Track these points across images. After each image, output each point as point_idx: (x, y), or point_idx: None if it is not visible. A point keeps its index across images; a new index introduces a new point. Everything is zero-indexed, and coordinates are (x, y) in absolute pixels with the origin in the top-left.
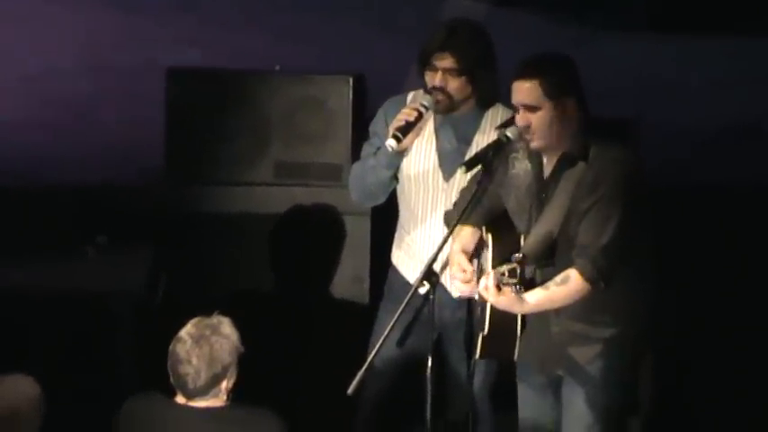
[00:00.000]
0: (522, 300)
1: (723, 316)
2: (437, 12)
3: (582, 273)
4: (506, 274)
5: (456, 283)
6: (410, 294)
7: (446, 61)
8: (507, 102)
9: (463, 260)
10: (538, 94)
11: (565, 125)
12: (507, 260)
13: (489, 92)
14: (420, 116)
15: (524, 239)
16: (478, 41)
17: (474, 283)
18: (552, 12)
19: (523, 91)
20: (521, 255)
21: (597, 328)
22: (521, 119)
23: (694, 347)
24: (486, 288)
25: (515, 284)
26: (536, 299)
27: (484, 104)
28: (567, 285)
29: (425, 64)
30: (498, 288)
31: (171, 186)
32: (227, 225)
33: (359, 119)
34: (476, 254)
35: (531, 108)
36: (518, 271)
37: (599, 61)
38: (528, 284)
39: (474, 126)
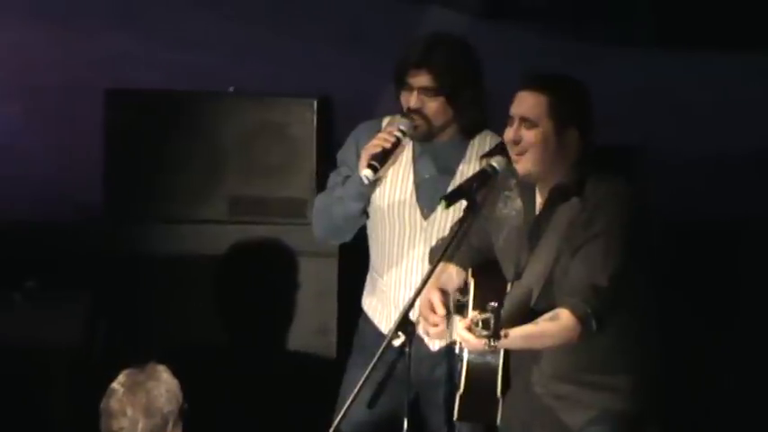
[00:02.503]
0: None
1: (742, 369)
2: (414, 25)
3: (572, 310)
4: (479, 324)
5: (424, 327)
6: (383, 347)
7: (422, 79)
8: (498, 128)
9: (436, 299)
10: (541, 110)
11: (560, 153)
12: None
13: (474, 116)
14: (398, 142)
15: (510, 287)
16: (460, 57)
17: (443, 329)
18: (547, 24)
19: (526, 103)
20: (495, 304)
21: (588, 390)
22: (512, 132)
23: (707, 407)
24: (467, 339)
25: (488, 337)
26: (521, 332)
27: (469, 131)
28: (555, 323)
29: (400, 83)
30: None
31: (110, 224)
32: (173, 268)
33: (324, 147)
34: (457, 296)
35: (529, 123)
36: (491, 322)
37: (600, 80)
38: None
39: (458, 155)
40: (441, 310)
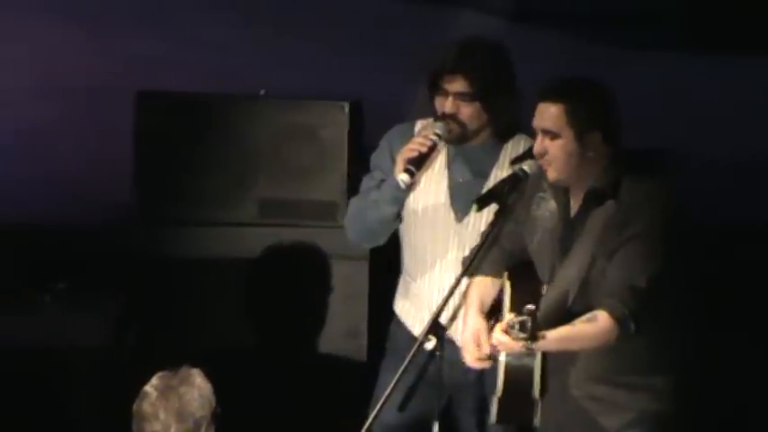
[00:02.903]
0: (541, 339)
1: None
2: (445, 28)
3: (610, 312)
4: (516, 327)
5: (467, 356)
6: (413, 350)
7: (457, 84)
8: (530, 131)
9: (483, 337)
10: (560, 122)
11: (586, 160)
12: (521, 312)
13: (508, 120)
14: (433, 146)
15: (546, 290)
16: (495, 62)
17: (487, 362)
18: (578, 28)
19: (545, 115)
20: (532, 306)
21: (624, 392)
22: (537, 145)
23: (749, 416)
24: (503, 343)
25: (525, 339)
26: (558, 334)
27: (502, 134)
28: (592, 324)
29: (435, 88)
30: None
31: (140, 227)
32: (204, 271)
33: (355, 150)
34: (496, 310)
35: (551, 135)
36: (528, 325)
37: (630, 84)
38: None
39: (491, 159)
40: (486, 349)
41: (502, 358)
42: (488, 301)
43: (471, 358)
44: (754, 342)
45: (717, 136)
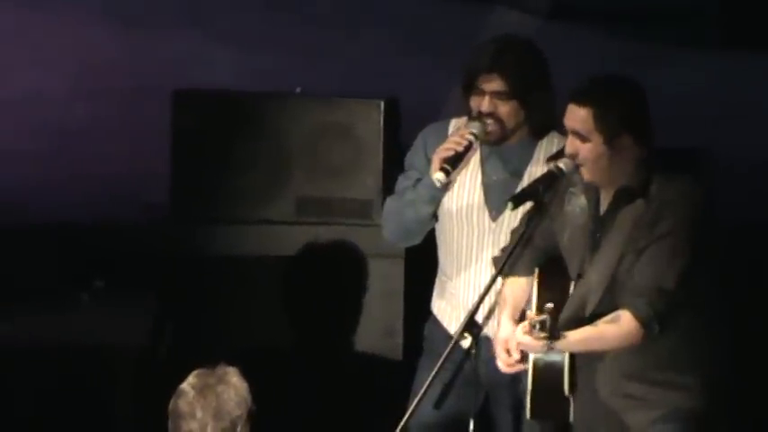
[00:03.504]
0: (562, 338)
1: None
2: (479, 26)
3: (634, 313)
4: (537, 326)
5: (499, 363)
6: (449, 348)
7: (494, 84)
8: (563, 129)
9: (512, 341)
10: (589, 125)
11: (616, 162)
12: (541, 310)
13: (544, 118)
14: (469, 146)
15: (574, 287)
16: (530, 60)
17: (519, 366)
18: (613, 26)
19: (575, 117)
20: (551, 305)
21: (657, 389)
22: (569, 145)
23: None
24: (527, 344)
25: (545, 338)
26: (579, 335)
27: (537, 132)
28: (617, 325)
29: (470, 87)
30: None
31: (177, 225)
32: (240, 269)
33: (391, 148)
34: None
35: (581, 137)
36: (548, 324)
37: (666, 82)
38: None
39: (526, 156)
40: (516, 356)
41: (530, 356)
42: (521, 303)
43: (503, 365)
44: None
45: (752, 135)
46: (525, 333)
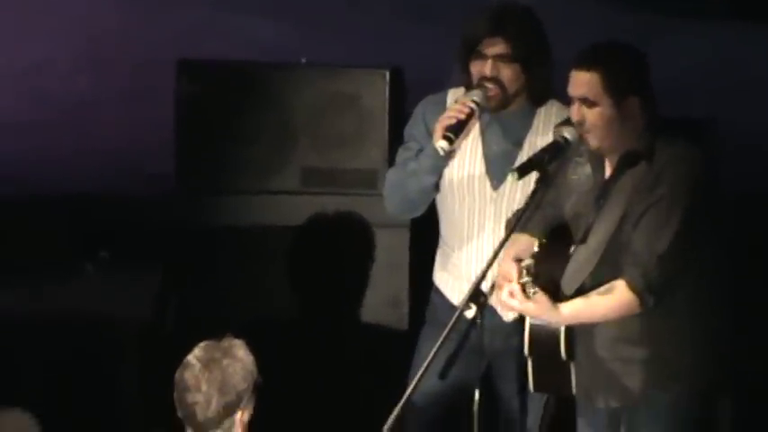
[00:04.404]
0: (554, 306)
1: None
2: None
3: (629, 283)
4: (523, 272)
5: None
6: (454, 318)
7: (498, 47)
8: (561, 97)
9: (513, 270)
10: (597, 89)
11: (624, 126)
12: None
13: (543, 85)
14: (471, 113)
15: (574, 250)
16: (530, 25)
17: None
18: None
19: (581, 83)
20: (536, 249)
21: (656, 353)
22: (575, 113)
23: None
24: (512, 293)
25: (530, 283)
26: (573, 308)
27: (537, 100)
28: (610, 296)
29: (472, 53)
30: (526, 295)
31: (182, 196)
32: (245, 239)
33: (397, 118)
34: (530, 263)
35: (588, 103)
36: (533, 269)
37: (672, 54)
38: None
39: (526, 125)
40: (515, 278)
41: (527, 321)
42: (524, 256)
43: (501, 300)
44: None
45: (757, 105)
46: (517, 284)
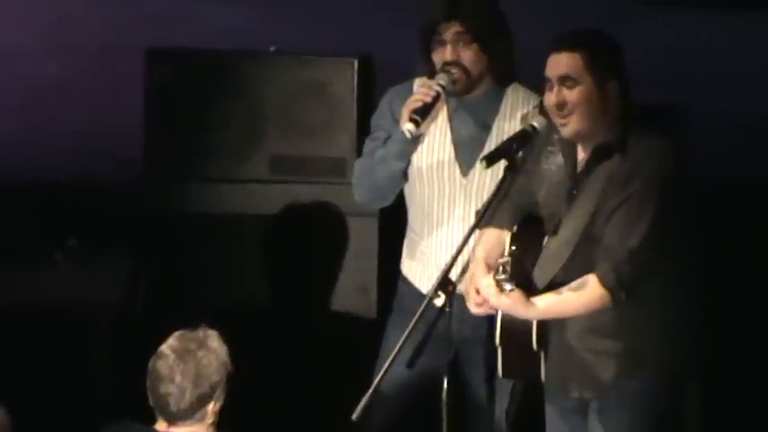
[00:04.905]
0: (528, 303)
1: None
2: None
3: (601, 279)
4: (500, 269)
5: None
6: (423, 306)
7: (455, 30)
8: (527, 80)
9: (480, 278)
10: (579, 67)
11: (604, 109)
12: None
13: (506, 65)
14: (438, 96)
15: (547, 242)
16: (487, 5)
17: (488, 307)
18: None
19: (562, 63)
20: (514, 248)
21: (628, 344)
22: (555, 96)
23: (751, 376)
24: (488, 286)
25: (506, 281)
26: (545, 304)
27: (501, 81)
28: (582, 292)
29: (431, 40)
30: (500, 289)
31: (151, 183)
32: (215, 227)
33: (365, 107)
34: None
35: (571, 81)
36: (509, 267)
37: (638, 40)
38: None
39: (493, 109)
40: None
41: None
42: (495, 252)
43: (472, 305)
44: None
45: (728, 91)
46: (492, 279)
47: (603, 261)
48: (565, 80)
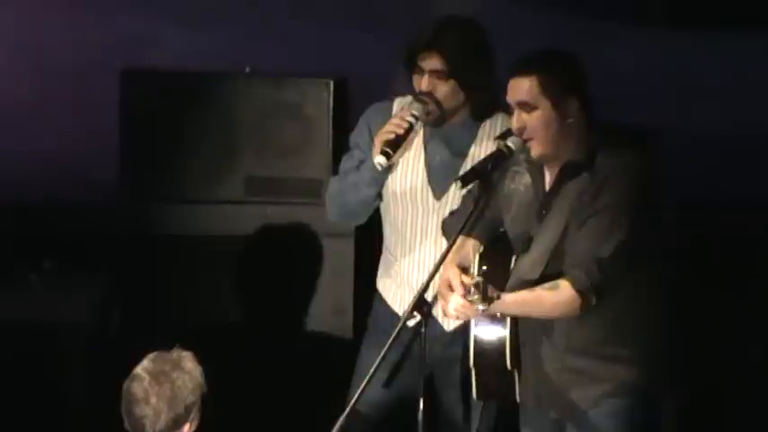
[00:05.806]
0: (497, 306)
1: (760, 348)
2: (430, 4)
3: (573, 282)
4: (471, 290)
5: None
6: (398, 327)
7: (433, 62)
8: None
9: (454, 278)
10: (534, 92)
11: (565, 129)
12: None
13: (486, 99)
14: (410, 128)
15: (515, 261)
16: (470, 39)
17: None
18: (559, 5)
19: (519, 88)
20: (485, 268)
21: (602, 363)
22: (516, 120)
23: (722, 390)
24: (463, 306)
25: (480, 301)
26: (515, 297)
27: (479, 114)
28: (556, 292)
29: (411, 66)
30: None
31: (126, 204)
32: (190, 248)
33: (340, 128)
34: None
35: (527, 107)
36: (481, 286)
37: (614, 61)
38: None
39: (469, 137)
40: (459, 290)
41: (471, 332)
42: (467, 262)
43: (446, 305)
44: (750, 315)
45: (700, 111)
46: (461, 296)
47: (575, 267)
48: (523, 105)
